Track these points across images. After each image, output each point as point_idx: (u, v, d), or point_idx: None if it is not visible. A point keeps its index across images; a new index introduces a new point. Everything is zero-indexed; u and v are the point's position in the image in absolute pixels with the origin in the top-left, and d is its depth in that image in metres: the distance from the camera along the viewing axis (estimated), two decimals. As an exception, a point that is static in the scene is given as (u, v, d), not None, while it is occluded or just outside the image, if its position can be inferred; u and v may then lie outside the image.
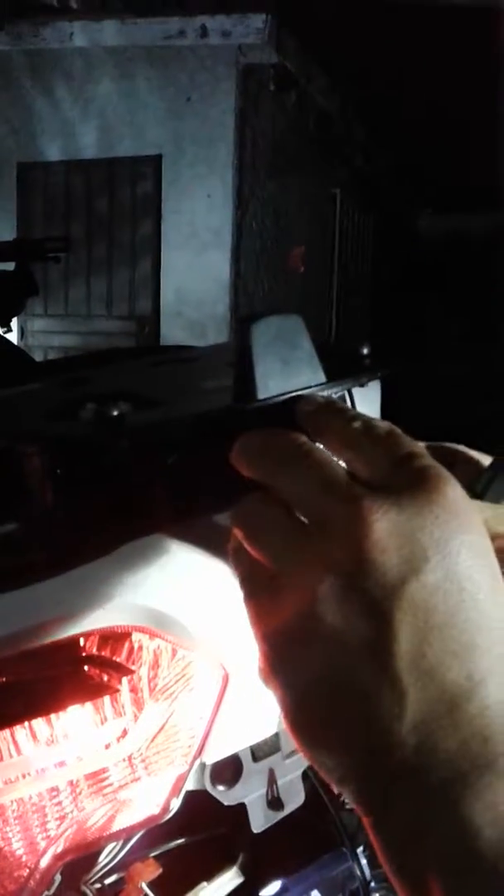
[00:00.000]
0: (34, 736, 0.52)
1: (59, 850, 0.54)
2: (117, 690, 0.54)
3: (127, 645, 0.55)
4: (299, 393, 0.43)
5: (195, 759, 0.58)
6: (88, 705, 0.53)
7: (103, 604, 0.50)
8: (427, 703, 0.30)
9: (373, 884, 0.78)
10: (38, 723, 0.52)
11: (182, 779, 0.58)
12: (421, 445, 0.34)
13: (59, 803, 0.54)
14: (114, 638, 0.54)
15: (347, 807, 0.76)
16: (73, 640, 0.52)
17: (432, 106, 5.98)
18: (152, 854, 0.69)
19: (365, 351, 0.64)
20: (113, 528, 0.53)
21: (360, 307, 7.48)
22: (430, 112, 6.09)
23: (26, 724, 0.51)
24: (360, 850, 0.78)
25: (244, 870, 0.74)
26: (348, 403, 0.74)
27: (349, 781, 0.32)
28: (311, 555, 0.32)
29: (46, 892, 0.55)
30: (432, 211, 9.06)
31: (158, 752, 0.57)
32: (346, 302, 7.14)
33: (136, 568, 0.51)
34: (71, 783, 0.54)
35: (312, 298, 6.53)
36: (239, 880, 0.74)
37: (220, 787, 0.64)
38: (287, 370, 0.44)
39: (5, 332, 2.12)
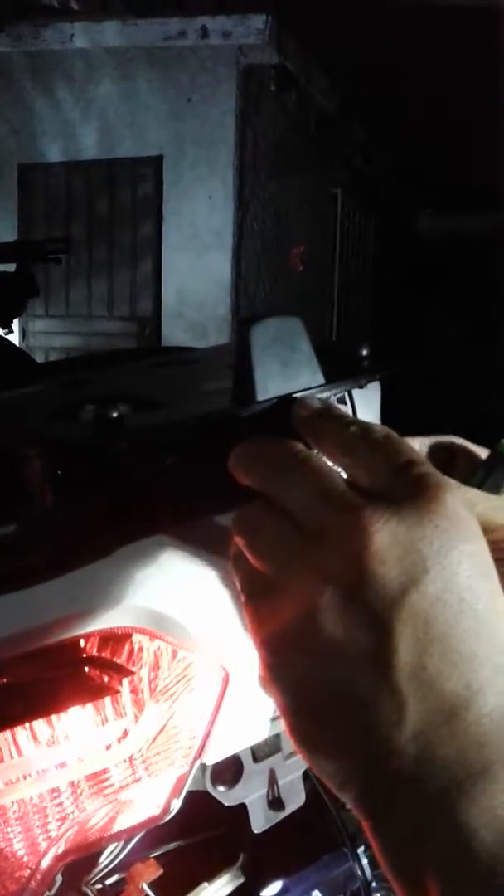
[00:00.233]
0: (35, 737, 0.52)
1: (60, 850, 0.55)
2: (118, 691, 0.54)
3: (127, 646, 0.55)
4: (297, 395, 0.43)
5: (196, 759, 0.58)
6: (89, 706, 0.53)
7: (103, 605, 0.50)
8: (426, 713, 0.30)
9: (374, 884, 0.78)
10: (39, 724, 0.52)
11: (183, 779, 0.58)
12: (418, 451, 0.34)
13: (60, 804, 0.54)
14: (114, 639, 0.54)
15: (348, 807, 0.76)
16: (74, 642, 0.52)
17: (432, 106, 5.98)
18: (153, 854, 0.69)
19: (364, 352, 0.64)
20: (113, 529, 0.53)
21: (360, 307, 7.48)
22: (429, 112, 6.09)
23: (27, 725, 0.51)
24: (361, 850, 0.78)
25: (245, 870, 0.75)
26: (348, 405, 0.74)
27: (350, 787, 0.32)
28: (311, 565, 0.32)
29: (47, 893, 0.55)
30: (432, 211, 9.07)
31: (159, 752, 0.57)
32: (347, 302, 7.14)
33: (136, 569, 0.51)
34: (72, 784, 0.54)
35: (313, 299, 6.53)
36: (240, 881, 0.74)
37: (221, 788, 0.65)
38: (286, 372, 0.44)
39: (6, 334, 2.12)
